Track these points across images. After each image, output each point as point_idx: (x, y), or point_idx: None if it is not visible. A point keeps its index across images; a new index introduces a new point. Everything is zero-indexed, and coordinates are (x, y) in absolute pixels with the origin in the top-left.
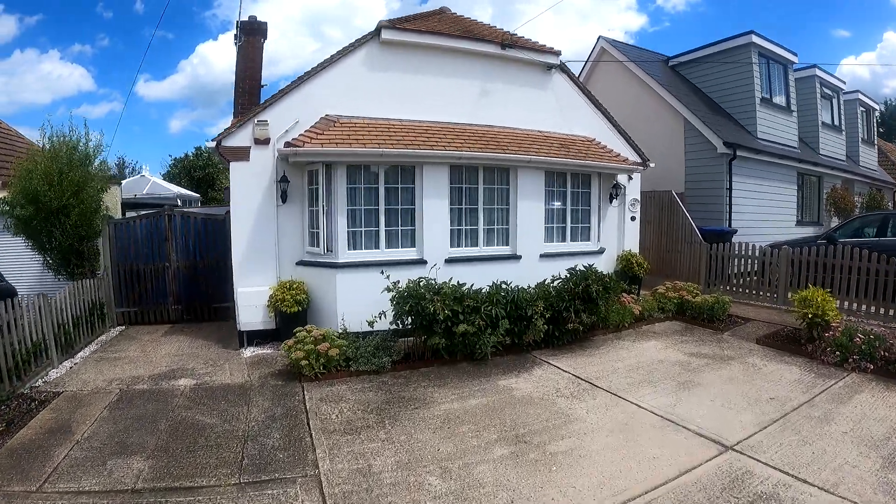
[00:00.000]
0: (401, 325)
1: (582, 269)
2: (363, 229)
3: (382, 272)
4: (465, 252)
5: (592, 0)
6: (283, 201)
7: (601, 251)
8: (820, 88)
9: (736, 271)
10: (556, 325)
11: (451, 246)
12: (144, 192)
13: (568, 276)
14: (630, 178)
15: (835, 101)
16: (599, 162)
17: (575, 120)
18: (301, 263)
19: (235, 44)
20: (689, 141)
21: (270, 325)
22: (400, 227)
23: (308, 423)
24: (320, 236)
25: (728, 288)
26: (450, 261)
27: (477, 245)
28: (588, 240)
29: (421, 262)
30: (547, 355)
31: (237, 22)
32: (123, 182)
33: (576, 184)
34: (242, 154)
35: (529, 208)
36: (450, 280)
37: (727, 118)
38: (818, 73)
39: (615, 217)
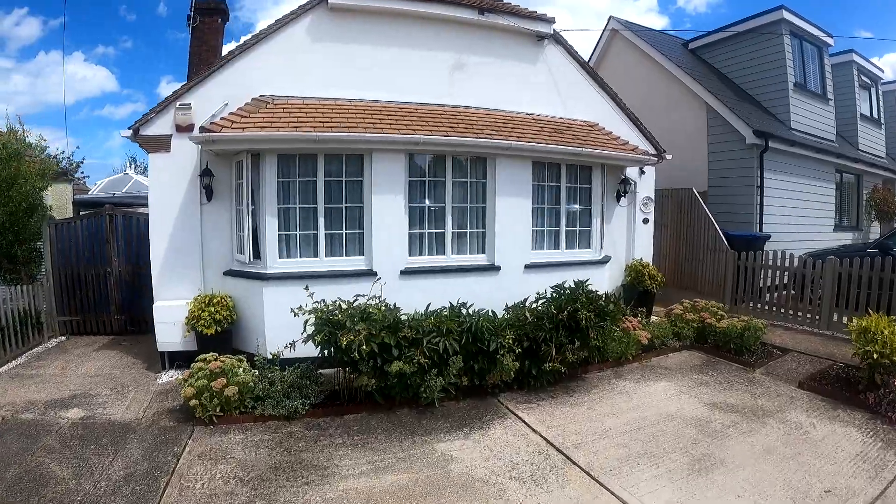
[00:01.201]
0: (327, 355)
1: (571, 286)
2: (298, 233)
3: (307, 287)
4: (427, 262)
5: (612, 1)
6: (209, 199)
7: (604, 261)
8: (858, 76)
9: (768, 284)
10: (535, 359)
11: (410, 254)
12: (124, 191)
13: (554, 295)
14: (642, 172)
15: (873, 91)
16: (601, 150)
17: (574, 101)
18: (229, 273)
19: (189, 25)
20: (713, 131)
21: (193, 345)
22: (345, 231)
23: (163, 493)
24: (245, 241)
25: (759, 306)
26: (407, 273)
27: (444, 253)
28: (588, 247)
29: (369, 273)
30: (518, 401)
31: (192, 0)
32: (105, 181)
33: (573, 178)
34: (162, 144)
35: (511, 207)
36: (380, 302)
37: (756, 106)
38: (855, 58)
39: (623, 219)
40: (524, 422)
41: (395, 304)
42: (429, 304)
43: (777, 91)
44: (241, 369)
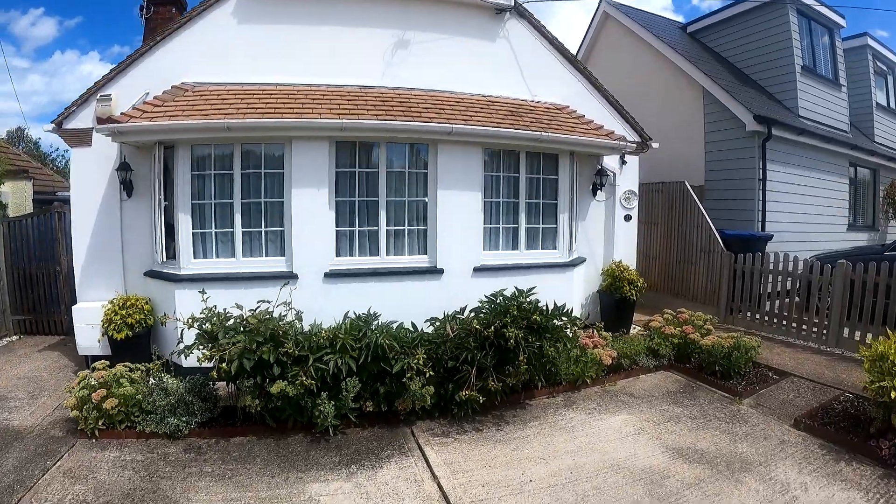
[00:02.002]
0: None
1: (505, 296)
2: (215, 231)
3: (202, 291)
4: (357, 263)
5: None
6: (129, 195)
7: (574, 263)
8: (873, 62)
9: (769, 291)
10: (458, 384)
11: (339, 255)
12: None
13: (488, 307)
14: (623, 161)
15: (890, 80)
16: (567, 135)
17: (540, 81)
18: (149, 274)
19: (142, 17)
20: (710, 118)
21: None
22: (264, 229)
23: None
24: (157, 239)
25: (757, 317)
26: (333, 276)
27: (377, 254)
28: (554, 247)
29: (290, 276)
30: (434, 433)
31: None
32: None
33: (535, 167)
34: (84, 138)
35: (458, 201)
36: (288, 309)
37: (760, 92)
38: (870, 42)
39: (601, 216)
40: (427, 462)
41: (299, 313)
42: (346, 313)
43: (783, 75)
44: (128, 379)
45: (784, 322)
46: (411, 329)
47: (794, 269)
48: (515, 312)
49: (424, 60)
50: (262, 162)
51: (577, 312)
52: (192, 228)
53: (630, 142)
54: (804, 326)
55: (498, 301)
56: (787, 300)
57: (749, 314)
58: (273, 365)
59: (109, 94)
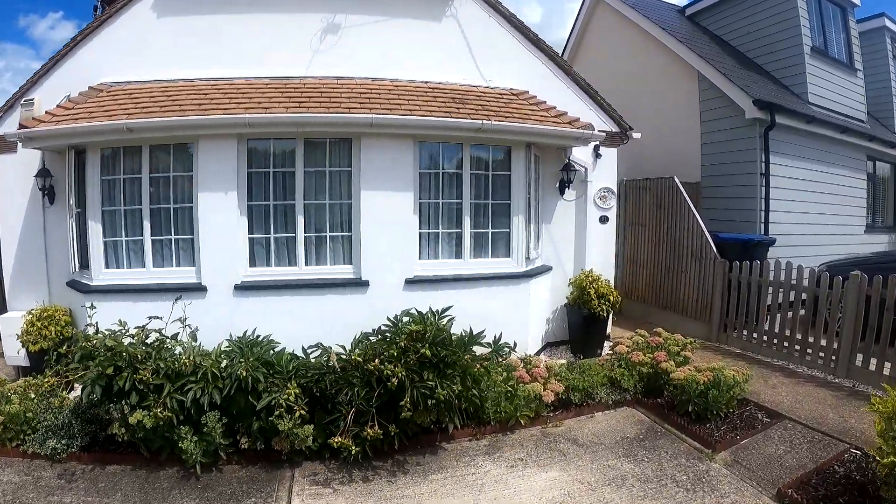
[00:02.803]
0: None
1: (414, 315)
2: (125, 239)
3: (91, 306)
4: (272, 275)
5: None
6: (51, 202)
7: (531, 274)
8: (892, 45)
9: (769, 303)
10: (337, 424)
11: (254, 265)
12: None
13: (391, 331)
14: (598, 154)
15: None
16: (519, 123)
17: (495, 64)
18: (70, 284)
19: (96, 16)
20: (707, 106)
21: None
22: (174, 237)
23: None
24: (70, 248)
25: (755, 336)
26: (245, 288)
27: (295, 264)
28: (508, 255)
29: (199, 288)
30: (316, 480)
31: None
32: None
33: (482, 162)
34: (10, 144)
35: (386, 203)
36: (184, 326)
37: (765, 77)
38: (888, 23)
39: (570, 217)
40: None
41: (193, 332)
42: (245, 332)
43: (791, 57)
44: (20, 396)
45: (786, 344)
46: (298, 356)
47: (798, 281)
48: (403, 343)
49: (357, 46)
50: (171, 164)
51: (538, 331)
52: (104, 236)
53: (600, 131)
54: (809, 350)
55: (400, 324)
56: (791, 314)
57: (745, 332)
58: (132, 393)
59: (32, 99)
